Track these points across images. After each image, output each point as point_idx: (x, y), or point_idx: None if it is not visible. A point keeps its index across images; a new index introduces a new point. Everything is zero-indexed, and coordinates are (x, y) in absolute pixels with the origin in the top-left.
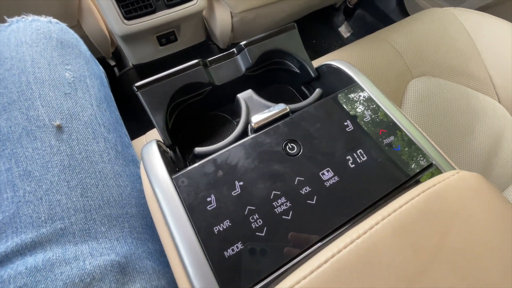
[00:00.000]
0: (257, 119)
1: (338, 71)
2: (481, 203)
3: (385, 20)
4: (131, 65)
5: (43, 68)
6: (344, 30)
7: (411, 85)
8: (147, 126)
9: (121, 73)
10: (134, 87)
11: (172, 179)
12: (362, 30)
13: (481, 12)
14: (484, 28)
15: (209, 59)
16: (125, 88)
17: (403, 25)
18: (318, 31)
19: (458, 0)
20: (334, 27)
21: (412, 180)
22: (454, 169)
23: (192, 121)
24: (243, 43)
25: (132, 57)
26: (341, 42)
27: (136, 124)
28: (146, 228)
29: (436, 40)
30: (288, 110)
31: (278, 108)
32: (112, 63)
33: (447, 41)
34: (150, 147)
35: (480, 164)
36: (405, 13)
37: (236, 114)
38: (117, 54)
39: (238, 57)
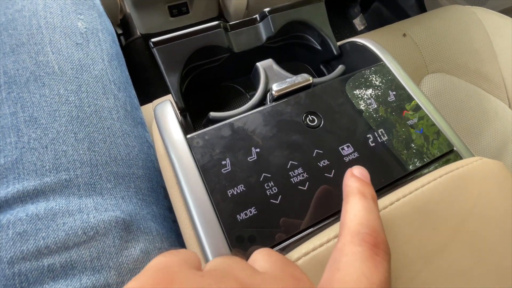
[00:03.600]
0: (278, 87)
1: (363, 49)
2: (503, 190)
3: (402, 16)
4: (139, 34)
5: (55, 13)
6: (358, 23)
7: (426, 80)
8: (152, 97)
9: (128, 41)
10: (151, 43)
11: (186, 139)
12: (377, 25)
13: (503, 15)
14: (504, 31)
15: (230, 23)
16: (131, 57)
17: (423, 19)
18: (331, 20)
19: (479, 1)
20: (348, 18)
21: (432, 164)
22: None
23: (204, 90)
24: (266, 9)
25: (141, 25)
26: (354, 35)
27: (141, 95)
28: (151, 191)
29: (455, 37)
30: (311, 81)
31: (302, 78)
32: (119, 31)
33: (465, 40)
34: (164, 106)
35: None
36: (423, 11)
37: (252, 86)
38: (125, 23)
39: (260, 24)
